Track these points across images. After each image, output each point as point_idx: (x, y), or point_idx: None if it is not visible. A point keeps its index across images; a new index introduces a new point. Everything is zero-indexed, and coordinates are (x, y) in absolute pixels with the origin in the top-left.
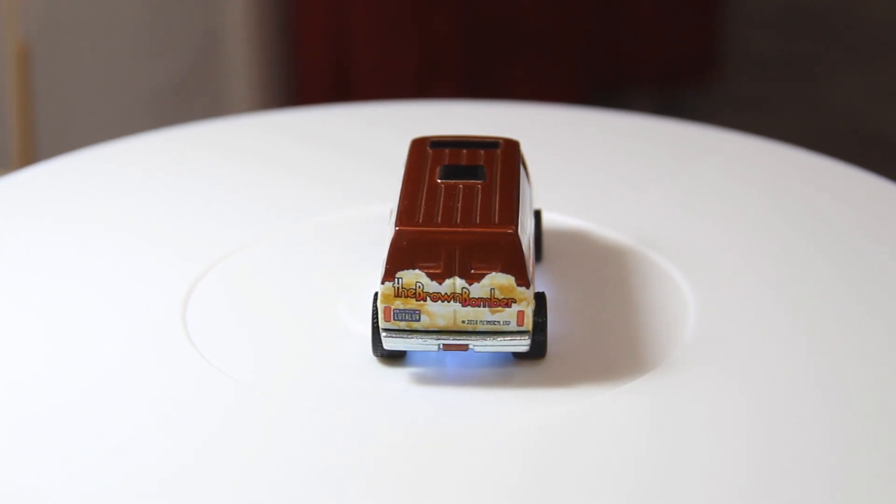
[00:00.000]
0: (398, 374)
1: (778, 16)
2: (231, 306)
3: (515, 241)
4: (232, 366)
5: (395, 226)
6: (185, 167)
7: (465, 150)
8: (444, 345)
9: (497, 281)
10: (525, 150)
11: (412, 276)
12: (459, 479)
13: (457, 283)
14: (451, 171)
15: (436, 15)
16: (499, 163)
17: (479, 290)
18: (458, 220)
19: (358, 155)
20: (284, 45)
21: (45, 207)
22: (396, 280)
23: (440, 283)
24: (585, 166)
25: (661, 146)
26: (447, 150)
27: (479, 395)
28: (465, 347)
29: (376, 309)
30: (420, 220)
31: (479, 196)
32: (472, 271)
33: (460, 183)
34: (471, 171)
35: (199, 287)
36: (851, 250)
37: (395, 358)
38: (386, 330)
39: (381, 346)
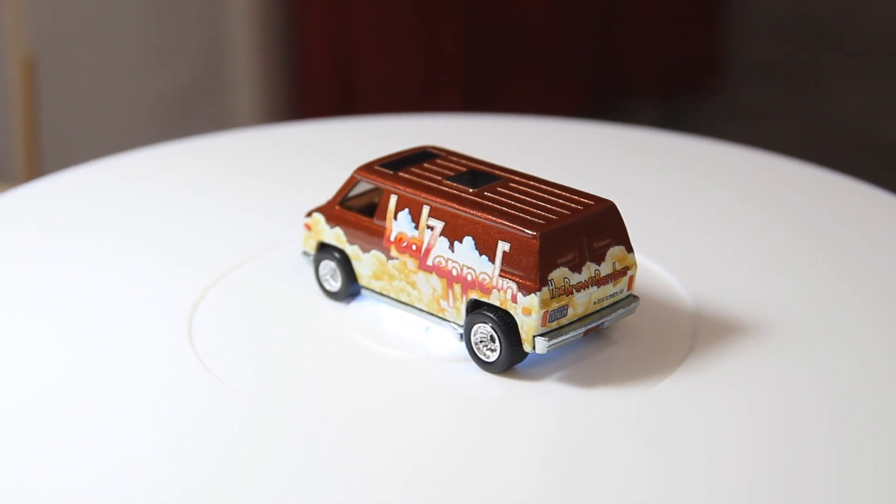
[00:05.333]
0: (407, 384)
1: (780, 24)
2: (236, 319)
3: (618, 211)
4: (238, 380)
5: (533, 232)
6: (191, 180)
7: (426, 163)
8: (586, 331)
9: (615, 253)
10: (528, 161)
11: (559, 274)
12: (470, 489)
13: (591, 268)
14: (468, 180)
15: (440, 27)
16: (476, 164)
17: (605, 267)
18: (566, 212)
19: None
20: (289, 58)
21: (51, 220)
22: (550, 283)
23: (580, 273)
24: (586, 179)
25: (662, 158)
26: (413, 168)
27: (487, 405)
28: (598, 327)
29: (504, 323)
30: (543, 222)
31: (532, 190)
32: (598, 252)
33: (496, 185)
34: (481, 177)
35: (204, 300)
36: (853, 260)
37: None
38: (543, 335)
39: (517, 358)
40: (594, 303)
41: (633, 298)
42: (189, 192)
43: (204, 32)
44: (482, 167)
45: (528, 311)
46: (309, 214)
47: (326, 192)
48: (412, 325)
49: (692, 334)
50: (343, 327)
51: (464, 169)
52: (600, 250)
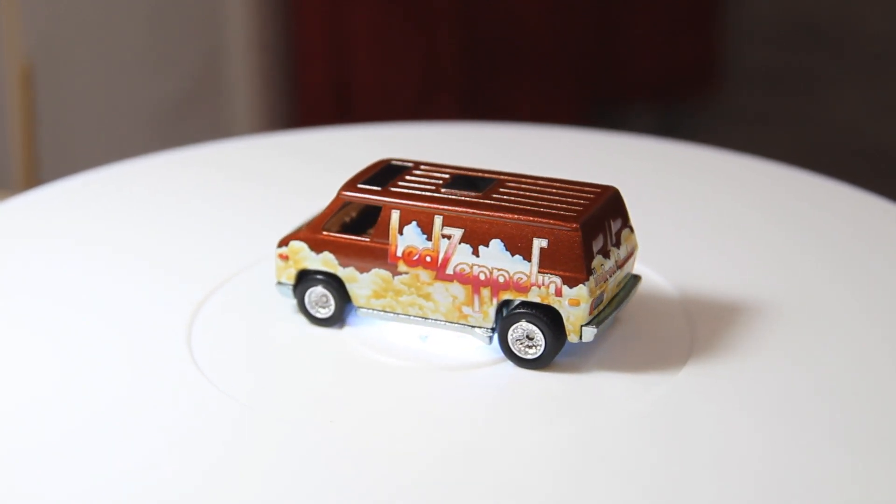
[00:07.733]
0: (406, 391)
1: (777, 30)
2: (235, 328)
3: (621, 195)
4: (237, 389)
5: (572, 224)
6: (188, 189)
7: (406, 175)
8: (616, 315)
9: (626, 236)
10: (525, 168)
11: (597, 262)
12: (471, 495)
13: (615, 252)
14: (465, 186)
15: (436, 35)
16: (454, 170)
17: (623, 250)
18: (584, 202)
19: None
20: (285, 66)
21: (48, 229)
22: (593, 271)
23: (609, 258)
24: None
25: (660, 165)
26: (398, 181)
27: (489, 409)
28: (620, 310)
29: (548, 318)
30: (575, 214)
31: (534, 187)
32: (616, 236)
33: (499, 187)
34: (475, 181)
35: (203, 309)
36: (849, 263)
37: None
38: (590, 323)
39: (559, 350)
40: (615, 286)
41: (636, 278)
42: (187, 201)
43: (201, 40)
44: (463, 172)
45: (576, 302)
46: (284, 243)
47: (324, 199)
48: (413, 336)
49: (691, 335)
50: (343, 337)
51: (448, 175)
52: (617, 234)
